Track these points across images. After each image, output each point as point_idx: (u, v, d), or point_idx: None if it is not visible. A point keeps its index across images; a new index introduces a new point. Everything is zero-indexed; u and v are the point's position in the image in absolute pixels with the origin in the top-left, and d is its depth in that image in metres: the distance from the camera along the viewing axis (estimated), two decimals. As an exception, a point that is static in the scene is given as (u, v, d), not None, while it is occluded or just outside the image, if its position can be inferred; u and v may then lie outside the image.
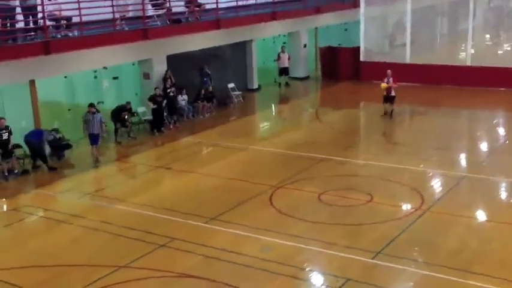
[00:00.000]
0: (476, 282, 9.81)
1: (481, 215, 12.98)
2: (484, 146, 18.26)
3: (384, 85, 20.33)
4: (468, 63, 26.09)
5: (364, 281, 9.97)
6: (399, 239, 11.53)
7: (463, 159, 17.17)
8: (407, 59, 27.27)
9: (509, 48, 27.48)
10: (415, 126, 21.34)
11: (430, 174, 15.46)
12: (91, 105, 17.31)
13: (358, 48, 28.18)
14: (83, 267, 10.93)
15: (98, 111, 17.39)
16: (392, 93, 20.44)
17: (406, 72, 26.62)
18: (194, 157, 17.91)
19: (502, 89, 24.45)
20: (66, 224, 13.03)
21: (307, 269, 10.61)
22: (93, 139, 17.23)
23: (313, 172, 15.69)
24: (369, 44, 28.65)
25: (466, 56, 26.58)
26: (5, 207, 14.61)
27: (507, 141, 18.66)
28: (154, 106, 19.87)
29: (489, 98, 23.75)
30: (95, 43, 17.78)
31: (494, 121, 21.44)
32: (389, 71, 20.72)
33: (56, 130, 17.83)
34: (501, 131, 20.30)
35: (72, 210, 13.73)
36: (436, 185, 14.94)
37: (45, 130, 17.12)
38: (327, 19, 29.61)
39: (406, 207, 13.33)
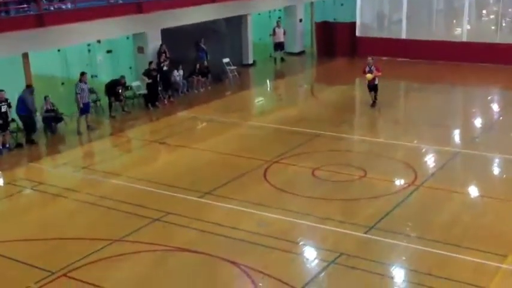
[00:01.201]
0: (468, 256, 9.91)
1: (474, 191, 13.07)
2: (478, 122, 18.31)
3: (369, 76, 18.83)
4: (464, 39, 26.02)
5: (357, 255, 10.06)
6: (393, 214, 11.62)
7: (457, 135, 17.23)
8: (403, 35, 27.16)
9: (504, 24, 27.34)
10: (409, 102, 21.36)
11: (424, 150, 15.52)
12: (84, 73, 17.45)
13: (355, 23, 28.01)
14: (78, 240, 10.98)
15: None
16: (376, 82, 19.13)
17: (402, 48, 26.61)
18: (189, 132, 17.89)
19: (498, 65, 24.42)
20: (61, 197, 13.05)
21: (301, 244, 10.70)
22: (87, 108, 17.50)
23: (308, 148, 15.72)
24: (366, 19, 28.47)
25: (462, 32, 26.49)
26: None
27: (501, 118, 18.71)
28: (149, 81, 19.78)
29: (484, 74, 23.74)
30: (88, 16, 17.65)
31: (489, 97, 21.46)
32: (370, 58, 19.20)
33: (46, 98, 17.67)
34: (495, 107, 20.34)
35: (67, 184, 13.75)
36: (430, 160, 15.00)
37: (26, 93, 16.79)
38: (323, -6, 29.39)
39: (400, 182, 13.41)
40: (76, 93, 17.47)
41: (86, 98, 17.58)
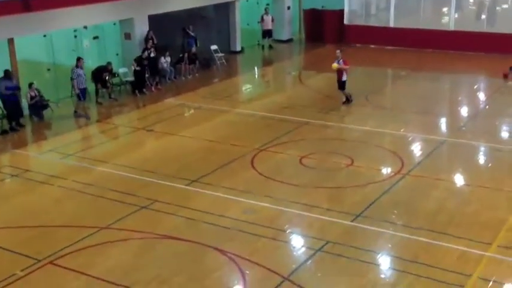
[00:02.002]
0: (453, 244, 10.01)
1: (459, 179, 13.18)
2: (464, 111, 18.42)
3: (335, 65, 17.99)
4: (451, 28, 26.09)
5: (344, 243, 10.13)
6: (379, 202, 11.70)
7: (443, 123, 17.31)
8: (391, 23, 27.18)
9: (491, 14, 27.44)
10: (397, 90, 21.41)
11: (411, 138, 15.59)
12: (80, 58, 17.40)
13: (343, 11, 27.97)
14: (64, 228, 10.94)
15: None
16: (344, 78, 18.06)
17: (390, 36, 26.63)
18: (176, 119, 17.83)
19: (484, 54, 24.54)
20: (47, 185, 12.98)
21: (288, 231, 10.74)
22: (83, 94, 17.54)
23: (295, 135, 15.74)
24: (354, 7, 28.44)
25: (450, 20, 26.55)
26: (-16, 167, 14.49)
27: (487, 106, 18.83)
28: (138, 68, 19.65)
29: (471, 62, 23.85)
30: (75, 1, 17.53)
31: (476, 86, 21.57)
32: (338, 51, 18.46)
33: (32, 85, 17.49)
34: (482, 96, 20.45)
35: (53, 171, 13.67)
36: (416, 148, 15.08)
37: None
38: (312, -20, 29.27)
39: (386, 170, 13.48)
40: (72, 79, 17.46)
41: (82, 84, 17.54)
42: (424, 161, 13.94)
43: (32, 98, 17.11)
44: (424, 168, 13.40)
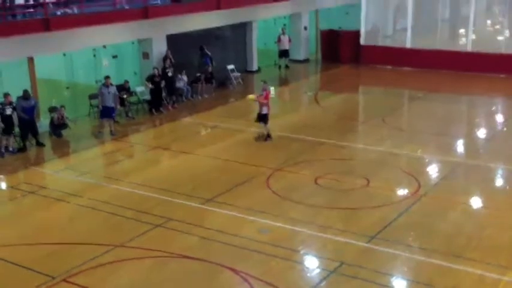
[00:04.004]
0: (470, 268, 9.87)
1: (476, 202, 13.03)
2: (481, 133, 18.26)
3: (251, 97, 17.11)
4: (469, 49, 26.00)
5: (359, 265, 10.03)
6: (395, 223, 11.59)
7: (460, 145, 17.18)
8: (408, 44, 27.17)
9: (509, 35, 27.32)
10: (413, 111, 21.32)
11: (427, 159, 15.49)
12: (107, 77, 17.54)
13: (359, 31, 28.04)
14: (79, 245, 10.98)
15: (112, 84, 17.83)
16: (264, 111, 16.57)
17: (407, 57, 26.60)
18: (193, 138, 17.90)
19: (502, 75, 24.39)
20: (64, 202, 13.06)
21: (302, 252, 10.68)
22: (107, 112, 17.64)
23: (311, 155, 15.70)
24: (370, 27, 28.51)
25: (467, 41, 26.47)
26: (2, 184, 14.61)
27: (505, 128, 18.66)
28: (152, 86, 19.82)
29: (489, 84, 23.68)
30: (94, 21, 17.72)
31: (493, 108, 21.41)
32: (263, 82, 17.23)
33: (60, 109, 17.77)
34: (499, 117, 20.27)
35: (69, 188, 13.76)
36: (433, 170, 14.96)
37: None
38: (329, 1, 29.48)
39: (403, 192, 13.37)
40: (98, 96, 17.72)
41: (106, 102, 17.56)
42: (441, 182, 13.82)
43: (57, 119, 17.36)
44: (440, 190, 13.28)
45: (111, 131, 17.86)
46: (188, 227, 11.55)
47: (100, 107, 17.73)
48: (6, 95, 15.97)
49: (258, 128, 17.07)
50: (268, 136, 16.86)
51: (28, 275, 9.94)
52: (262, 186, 13.62)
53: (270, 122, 16.89)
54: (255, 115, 17.11)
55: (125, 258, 10.44)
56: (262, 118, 16.71)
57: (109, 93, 17.61)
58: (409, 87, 24.00)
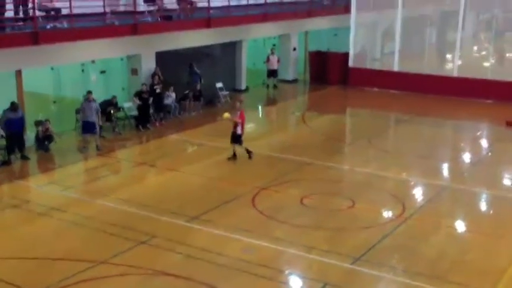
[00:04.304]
0: (453, 291, 9.91)
1: (461, 225, 13.10)
2: (467, 157, 18.42)
3: (226, 115, 16.75)
4: (455, 74, 26.34)
5: (343, 286, 10.03)
6: (379, 245, 11.60)
7: (445, 169, 17.31)
8: (396, 67, 27.48)
9: (494, 62, 27.74)
10: (399, 134, 21.47)
11: (413, 182, 15.58)
12: (89, 92, 17.48)
13: (347, 53, 28.32)
14: (62, 261, 10.85)
15: (94, 99, 17.73)
16: (238, 131, 16.54)
17: (394, 80, 26.89)
18: (179, 155, 17.87)
19: (488, 101, 24.70)
20: (47, 217, 12.94)
21: (286, 272, 10.64)
22: (88, 127, 17.50)
23: (297, 175, 15.73)
24: (358, 50, 28.82)
25: (454, 66, 26.82)
26: (-15, 197, 14.46)
27: (489, 153, 18.86)
28: (140, 102, 19.79)
29: (474, 109, 23.96)
30: (84, 36, 17.70)
31: (478, 133, 21.62)
32: (238, 103, 17.48)
33: (40, 122, 17.71)
34: (484, 142, 20.48)
35: (53, 203, 13.63)
36: (418, 193, 15.05)
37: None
38: (318, 23, 29.76)
39: (388, 214, 13.42)
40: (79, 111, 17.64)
41: (87, 117, 17.43)
42: (426, 205, 13.89)
43: (42, 132, 17.26)
44: (425, 213, 13.34)
45: (96, 146, 17.75)
46: (173, 245, 11.48)
47: (80, 122, 17.63)
48: None
49: (239, 148, 16.89)
50: (248, 153, 16.79)
51: (9, 290, 9.80)
52: (248, 205, 13.60)
53: (259, 141, 16.83)
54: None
55: (107, 274, 10.33)
56: (237, 139, 16.67)
57: (90, 108, 17.48)
58: (395, 110, 24.20)
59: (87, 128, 17.62)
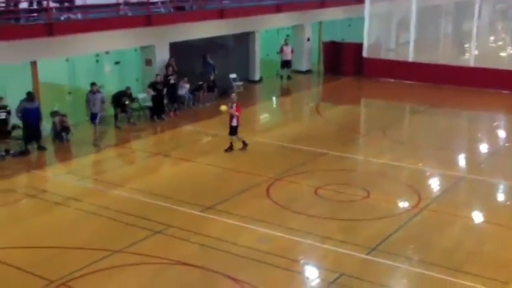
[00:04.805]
0: (469, 282, 9.83)
1: (477, 216, 13.00)
2: (483, 148, 18.26)
3: (223, 107, 16.77)
4: (471, 64, 26.07)
5: (358, 277, 9.99)
6: (395, 236, 11.55)
7: (462, 159, 17.17)
8: (411, 57, 27.24)
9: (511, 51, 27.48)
10: (414, 124, 21.33)
11: (429, 173, 15.47)
12: (93, 84, 17.50)
13: (362, 44, 28.13)
14: (77, 250, 10.93)
15: (98, 91, 17.69)
16: (234, 123, 16.63)
17: (409, 71, 26.68)
18: (193, 146, 17.89)
19: (505, 91, 24.45)
20: (63, 206, 13.03)
21: (301, 262, 10.64)
22: (93, 118, 17.52)
23: (312, 166, 15.69)
24: (373, 40, 28.61)
25: (470, 56, 26.55)
26: (2, 187, 14.55)
27: (507, 144, 18.66)
28: (154, 93, 19.83)
29: (491, 99, 23.73)
30: (97, 27, 17.74)
31: (495, 123, 21.42)
32: (233, 95, 17.38)
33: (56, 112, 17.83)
34: (501, 133, 20.28)
35: (69, 192, 13.73)
36: (434, 184, 14.95)
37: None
38: (332, 13, 29.55)
39: (403, 204, 13.35)
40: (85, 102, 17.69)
41: (92, 108, 17.51)
42: (442, 196, 13.80)
43: (59, 124, 17.39)
44: (441, 204, 13.25)
45: (94, 139, 17.56)
46: (187, 234, 11.51)
47: (88, 114, 17.66)
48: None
49: (235, 140, 16.87)
50: (244, 144, 16.85)
51: (27, 278, 9.89)
52: (262, 195, 13.60)
53: (273, 132, 16.76)
54: (255, 124, 17.00)
55: (123, 264, 10.39)
56: (233, 130, 16.74)
57: (95, 99, 17.46)
58: (410, 101, 24.03)
59: (93, 118, 17.65)
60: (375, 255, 10.73)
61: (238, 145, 16.92)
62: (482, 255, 10.90)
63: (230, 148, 16.86)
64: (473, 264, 10.48)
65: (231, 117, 16.69)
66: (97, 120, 17.64)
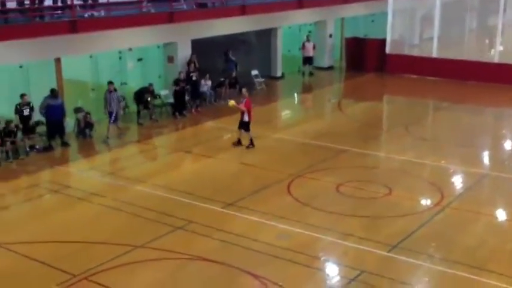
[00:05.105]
0: (491, 280, 9.72)
1: (501, 214, 12.83)
2: (507, 145, 18.00)
3: (232, 102, 16.71)
4: (496, 60, 25.68)
5: (379, 274, 9.94)
6: (417, 233, 11.46)
7: (485, 157, 16.96)
8: (434, 53, 26.94)
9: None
10: (438, 121, 21.10)
11: (452, 170, 15.31)
12: (110, 82, 17.63)
13: (385, 40, 27.90)
14: (100, 244, 11.06)
15: (115, 89, 17.82)
16: (245, 119, 16.54)
17: (433, 67, 26.38)
18: (215, 142, 17.94)
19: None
20: (86, 201, 13.19)
21: (322, 259, 10.62)
22: (109, 116, 17.69)
23: (333, 163, 15.64)
24: (396, 36, 28.34)
25: (495, 52, 26.16)
26: (26, 182, 14.79)
27: (532, 141, 18.40)
28: (177, 87, 19.93)
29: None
30: (121, 24, 17.90)
31: (520, 120, 21.12)
32: (244, 90, 17.29)
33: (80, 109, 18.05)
34: (526, 130, 20.00)
35: (92, 188, 13.89)
36: (457, 181, 14.79)
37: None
38: (354, 9, 29.38)
39: (425, 202, 13.24)
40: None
41: (109, 107, 17.58)
42: (465, 194, 13.66)
43: (83, 121, 17.62)
44: (464, 202, 13.11)
45: (107, 136, 17.61)
46: (208, 230, 11.57)
47: (107, 112, 17.76)
48: (23, 95, 16.17)
49: (245, 135, 16.84)
50: (251, 143, 16.70)
51: (50, 272, 10.04)
52: (283, 192, 13.60)
53: (294, 129, 16.74)
54: (277, 121, 17.04)
55: (145, 259, 10.48)
56: (244, 125, 16.68)
57: (112, 98, 17.53)
58: (433, 98, 23.77)
59: (111, 117, 17.66)
60: (396, 253, 10.67)
61: (246, 142, 16.81)
62: (506, 253, 10.77)
63: (239, 143, 16.83)
64: (497, 262, 10.36)
65: (242, 112, 16.66)
66: (112, 119, 17.72)
